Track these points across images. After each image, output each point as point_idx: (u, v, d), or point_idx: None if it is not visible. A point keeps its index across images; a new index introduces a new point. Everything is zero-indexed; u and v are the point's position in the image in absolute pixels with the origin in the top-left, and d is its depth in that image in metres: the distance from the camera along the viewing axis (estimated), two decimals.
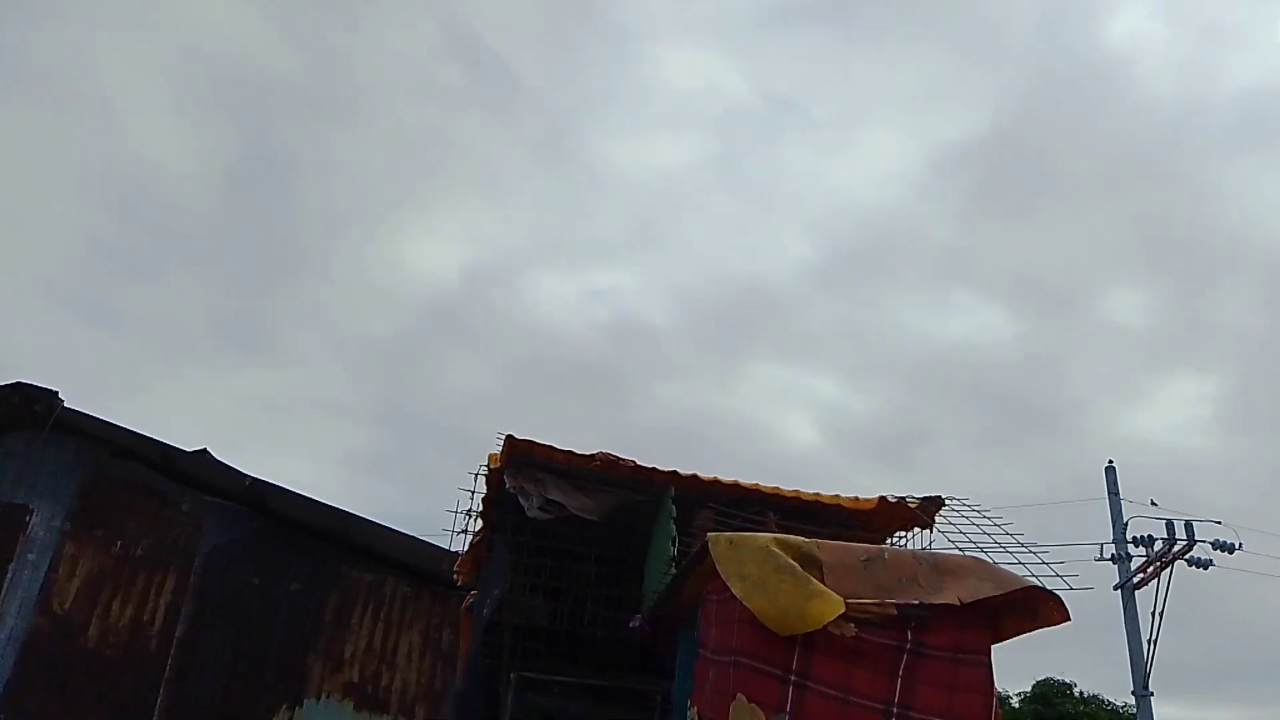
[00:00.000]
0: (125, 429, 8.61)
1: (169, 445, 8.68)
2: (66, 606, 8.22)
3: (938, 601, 2.82)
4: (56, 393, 8.30)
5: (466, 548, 5.30)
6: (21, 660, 7.99)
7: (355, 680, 8.67)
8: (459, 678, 6.15)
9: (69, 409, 8.48)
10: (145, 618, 8.37)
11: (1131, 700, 18.32)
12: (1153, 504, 18.28)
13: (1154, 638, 17.33)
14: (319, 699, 8.54)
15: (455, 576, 5.74)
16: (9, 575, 8.12)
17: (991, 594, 2.86)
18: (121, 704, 8.09)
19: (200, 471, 8.81)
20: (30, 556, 8.22)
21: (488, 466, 4.69)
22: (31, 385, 8.22)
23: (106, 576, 8.40)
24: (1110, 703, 26.33)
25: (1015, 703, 27.07)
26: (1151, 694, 17.42)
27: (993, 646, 2.89)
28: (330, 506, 8.77)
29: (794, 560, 2.92)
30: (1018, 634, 3.03)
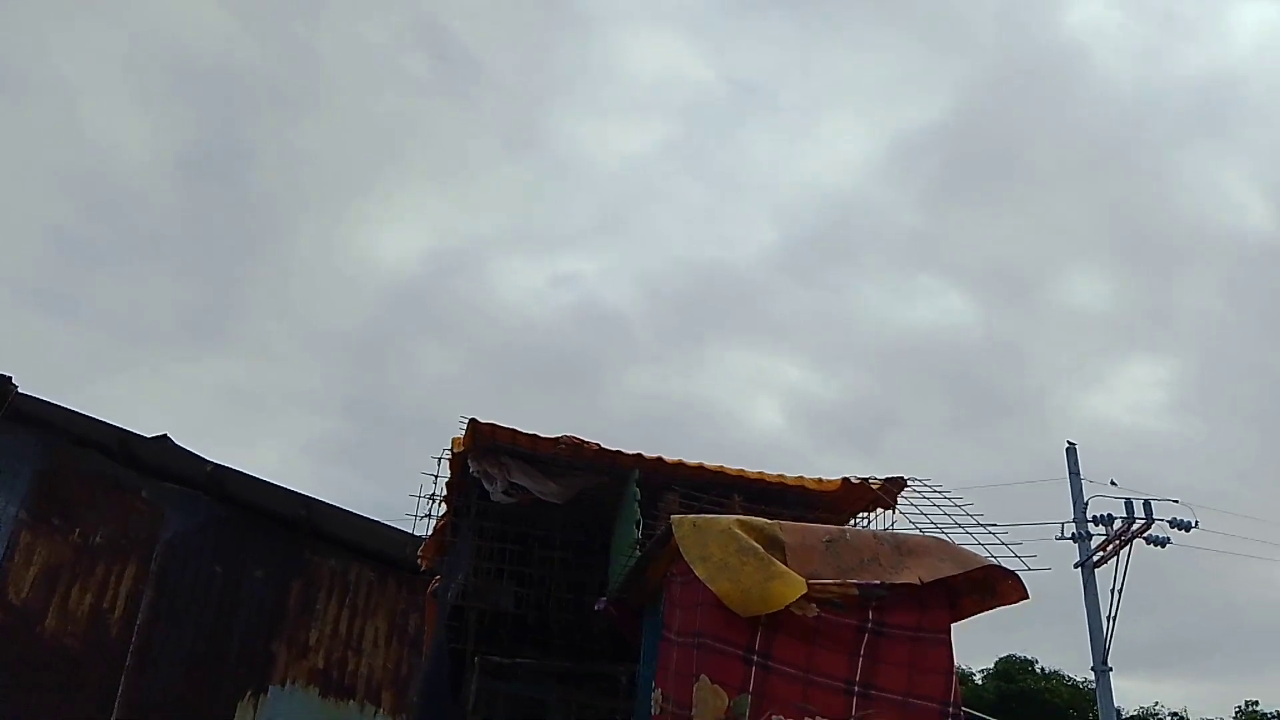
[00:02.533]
0: (82, 415, 8.45)
1: (127, 431, 8.53)
2: (24, 596, 8.07)
3: (899, 581, 2.85)
4: (10, 378, 8.12)
5: (431, 533, 5.27)
6: None
7: (321, 667, 8.61)
8: (424, 663, 6.12)
9: (23, 394, 8.31)
10: (105, 606, 8.25)
11: (1091, 676, 18.73)
12: (1112, 484, 18.65)
13: (1113, 614, 17.73)
14: (284, 685, 8.48)
15: (420, 561, 5.70)
16: None
17: (951, 573, 2.89)
18: (83, 694, 7.98)
19: (160, 458, 8.67)
20: None
21: (451, 451, 4.66)
22: None
23: (64, 565, 8.26)
24: (1071, 678, 26.90)
25: (978, 679, 27.56)
26: (1110, 669, 17.83)
27: (953, 625, 2.92)
28: (293, 492, 8.68)
29: (757, 542, 2.93)
30: (977, 612, 3.07)
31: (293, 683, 8.50)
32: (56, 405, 8.45)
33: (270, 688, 8.39)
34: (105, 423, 8.51)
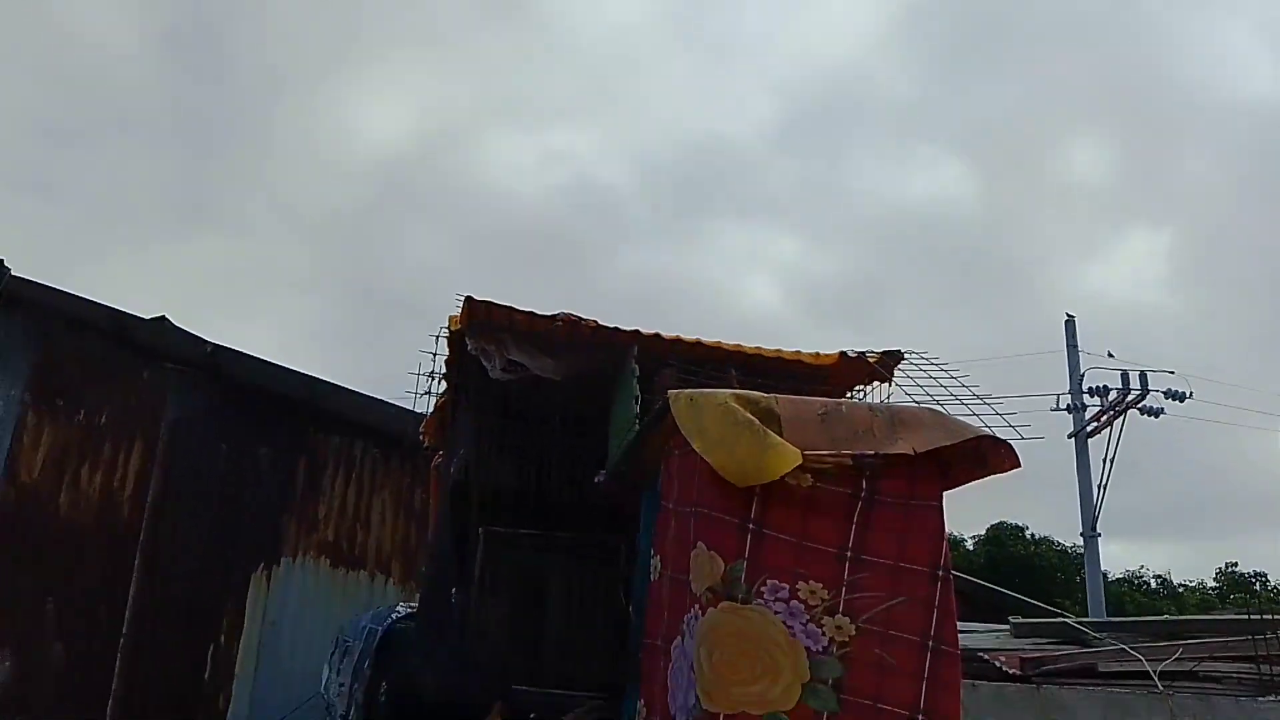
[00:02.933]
0: (79, 297, 8.44)
1: (125, 314, 8.53)
2: (35, 476, 8.23)
3: (892, 452, 2.88)
4: (2, 261, 8.06)
5: (431, 410, 5.31)
6: None
7: (330, 540, 8.85)
8: (431, 536, 6.28)
9: (17, 278, 8.26)
10: (116, 485, 8.42)
11: (1080, 541, 19.33)
12: (1109, 355, 18.78)
13: (1104, 483, 18.14)
14: (295, 558, 8.74)
15: (422, 439, 5.79)
16: None
17: (945, 443, 2.92)
18: (98, 570, 8.23)
19: (159, 340, 8.69)
20: None
21: (448, 329, 4.65)
22: None
23: (72, 446, 8.39)
24: (1060, 544, 27.71)
25: (970, 545, 28.43)
26: (1099, 535, 18.37)
27: (944, 493, 2.97)
28: (294, 371, 8.74)
29: (753, 415, 2.95)
30: (969, 481, 3.11)
31: (304, 555, 8.76)
32: (52, 288, 8.42)
33: (282, 559, 8.65)
34: (102, 305, 8.50)
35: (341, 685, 6.82)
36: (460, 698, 2.41)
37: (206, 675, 8.28)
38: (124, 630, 8.14)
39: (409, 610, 6.52)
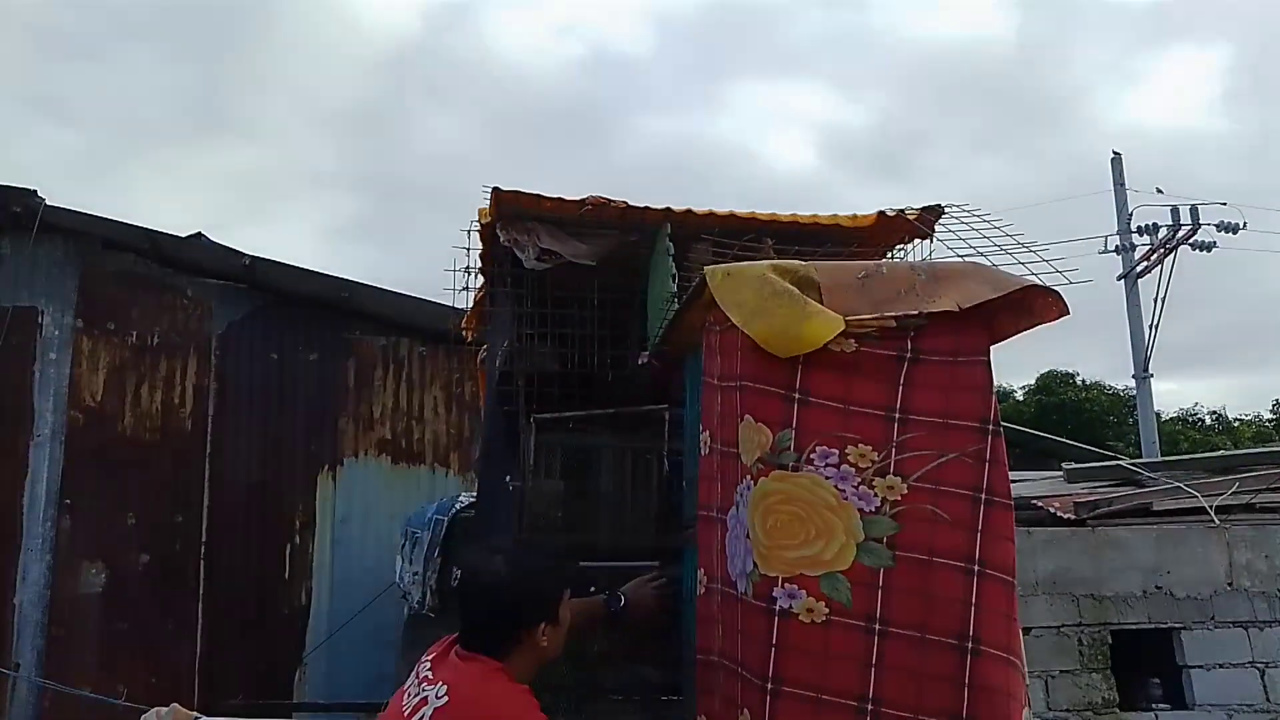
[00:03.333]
0: (114, 221, 8.52)
1: (160, 233, 8.61)
2: (99, 398, 8.50)
3: (935, 310, 2.82)
4: (35, 191, 8.12)
5: (471, 305, 5.33)
6: (69, 452, 8.39)
7: (388, 437, 9.11)
8: (482, 426, 6.41)
9: (52, 207, 8.34)
10: (175, 402, 8.68)
11: (1132, 384, 19.17)
12: (1158, 191, 18.17)
13: (1155, 323, 17.84)
14: (357, 457, 9.03)
15: (464, 333, 5.83)
16: (36, 376, 8.35)
17: (989, 296, 2.85)
18: (170, 484, 8.57)
19: (197, 256, 8.79)
20: (51, 355, 8.41)
21: (479, 223, 4.61)
22: (7, 186, 8.03)
23: (128, 366, 8.62)
24: (1111, 387, 27.53)
25: (1019, 395, 28.35)
26: (1151, 375, 18.17)
27: (991, 346, 2.92)
28: (331, 276, 8.82)
29: (791, 284, 2.90)
30: (1016, 333, 3.05)
31: (365, 453, 9.05)
32: (86, 214, 8.49)
33: (345, 459, 8.94)
34: (139, 226, 8.59)
35: (415, 574, 7.13)
36: (526, 581, 2.48)
37: (286, 573, 8.70)
38: (203, 537, 8.54)
39: (471, 499, 6.73)
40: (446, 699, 2.26)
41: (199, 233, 8.98)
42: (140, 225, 8.50)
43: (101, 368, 8.52)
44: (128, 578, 8.36)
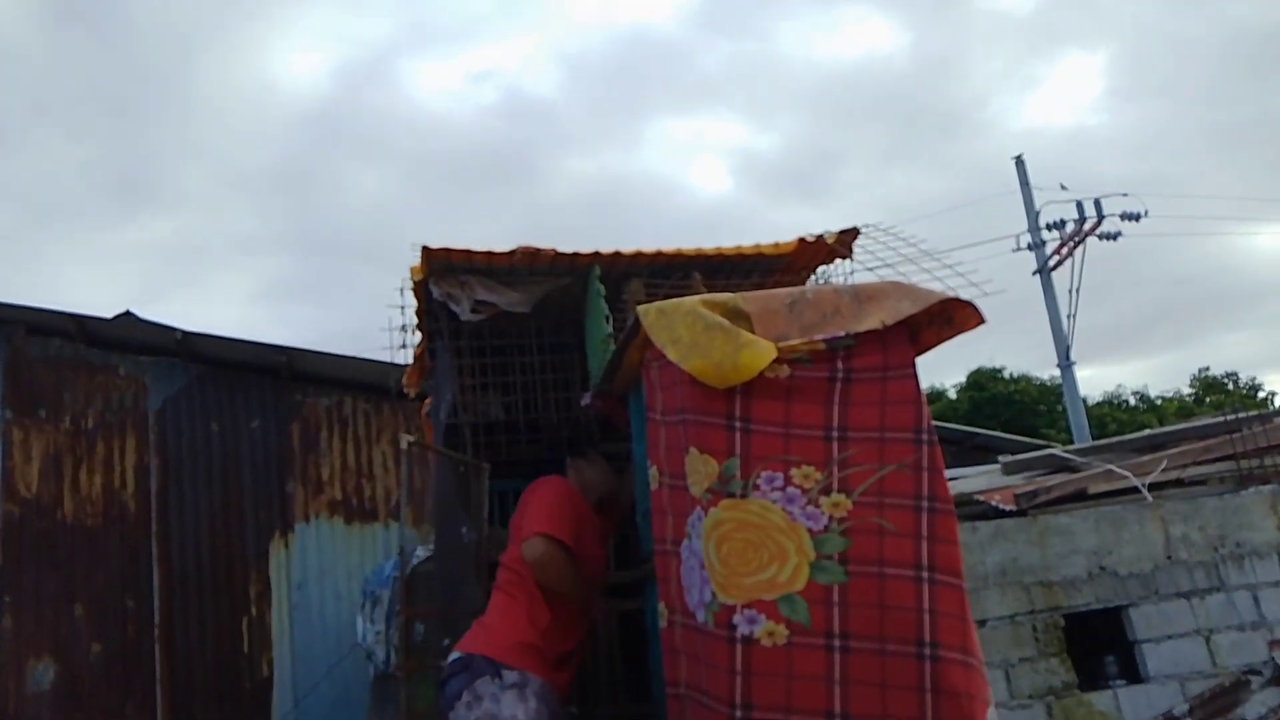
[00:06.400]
0: (39, 308, 8.35)
1: (86, 316, 8.45)
2: (34, 489, 8.28)
3: (862, 329, 2.95)
4: None
5: (412, 360, 5.36)
6: (6, 548, 8.14)
7: (339, 497, 9.00)
8: (432, 479, 6.40)
9: None
10: (116, 483, 8.48)
11: (1057, 373, 19.78)
12: (1062, 188, 18.90)
13: (1073, 313, 18.50)
14: (308, 520, 8.89)
15: (406, 389, 5.84)
16: None
17: (912, 312, 2.99)
18: (118, 567, 8.36)
19: (126, 334, 8.64)
20: None
21: (411, 280, 4.66)
22: None
23: (64, 452, 8.42)
24: (1038, 378, 28.29)
25: (952, 394, 28.99)
26: (1074, 363, 18.80)
27: (917, 359, 3.05)
28: (267, 344, 8.72)
29: (722, 316, 3.01)
30: (939, 343, 3.20)
31: (316, 516, 8.91)
32: (8, 303, 8.33)
33: (296, 524, 8.80)
34: (63, 312, 8.42)
35: (378, 633, 7.05)
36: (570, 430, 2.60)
37: (246, 646, 8.52)
38: (156, 619, 8.33)
39: (428, 553, 6.70)
40: None
41: (127, 311, 8.82)
42: (64, 310, 8.35)
43: (35, 457, 8.31)
44: (79, 670, 8.12)
